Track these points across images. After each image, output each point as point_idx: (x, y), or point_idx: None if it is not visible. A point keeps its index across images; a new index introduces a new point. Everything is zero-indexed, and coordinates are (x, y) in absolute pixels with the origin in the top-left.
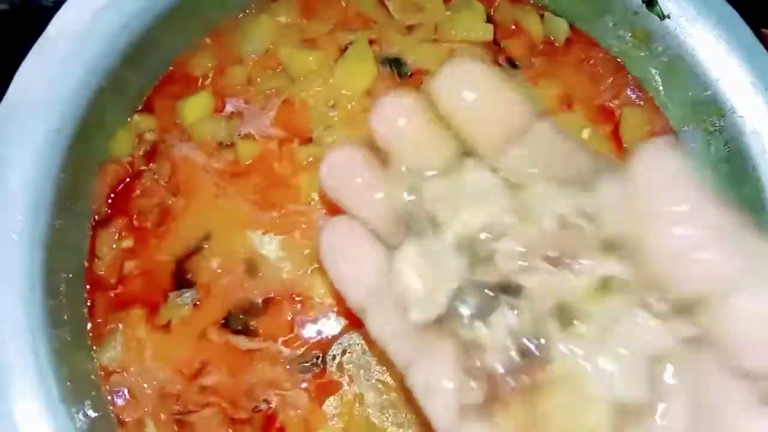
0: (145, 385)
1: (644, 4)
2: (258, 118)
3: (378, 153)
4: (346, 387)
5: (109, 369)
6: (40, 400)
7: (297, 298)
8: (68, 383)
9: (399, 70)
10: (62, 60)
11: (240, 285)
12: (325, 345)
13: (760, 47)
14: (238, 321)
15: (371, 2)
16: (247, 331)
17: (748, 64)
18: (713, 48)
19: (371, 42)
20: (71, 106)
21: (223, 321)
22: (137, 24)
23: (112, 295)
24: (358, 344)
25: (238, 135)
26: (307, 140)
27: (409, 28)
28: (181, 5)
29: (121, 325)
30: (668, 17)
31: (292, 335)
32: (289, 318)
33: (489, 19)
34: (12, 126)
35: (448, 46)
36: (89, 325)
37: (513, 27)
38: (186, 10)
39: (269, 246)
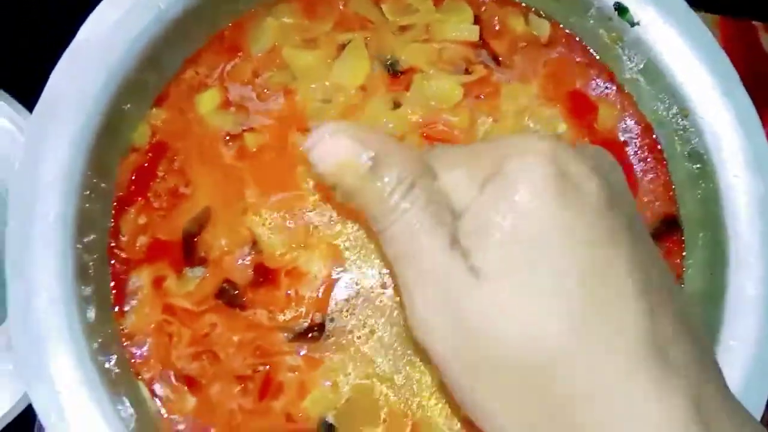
0: (159, 347)
1: (616, 12)
2: (262, 111)
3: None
4: (340, 354)
5: (128, 332)
6: (73, 357)
7: (294, 273)
8: (95, 343)
9: (392, 68)
10: (88, 65)
11: (243, 261)
12: (322, 310)
13: (723, 55)
14: (229, 294)
15: (367, 4)
16: (239, 304)
17: (710, 69)
18: (678, 54)
19: (366, 41)
20: (97, 104)
21: (216, 293)
22: (152, 31)
23: (131, 269)
24: (354, 311)
25: (243, 127)
26: (306, 131)
27: (402, 29)
28: (192, 12)
29: (138, 295)
30: (638, 24)
31: (289, 307)
32: (285, 292)
33: (476, 20)
34: (47, 122)
35: (437, 45)
36: (112, 296)
37: (498, 27)
38: (196, 16)
39: (270, 225)
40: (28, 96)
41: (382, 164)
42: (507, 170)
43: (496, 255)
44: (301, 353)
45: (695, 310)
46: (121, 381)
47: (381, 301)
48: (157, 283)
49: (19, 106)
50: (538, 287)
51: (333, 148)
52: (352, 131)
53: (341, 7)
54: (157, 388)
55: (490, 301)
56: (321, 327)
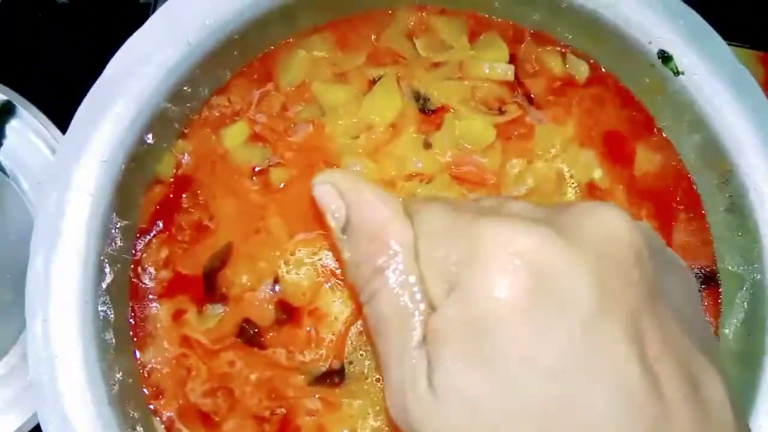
0: (177, 382)
1: (660, 59)
2: (289, 146)
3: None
4: (359, 400)
5: (145, 364)
6: (89, 392)
7: (315, 314)
8: (113, 383)
9: (423, 106)
10: (116, 99)
11: (264, 300)
12: (340, 356)
13: None
14: (249, 333)
15: (400, 39)
16: (259, 343)
17: (756, 126)
18: (722, 107)
19: (398, 77)
20: (124, 138)
21: (236, 332)
22: (181, 67)
23: (151, 303)
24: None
25: (270, 162)
26: (334, 167)
27: (435, 65)
28: (222, 46)
29: (158, 328)
30: (682, 74)
31: (309, 348)
32: (305, 332)
33: (511, 59)
34: (76, 161)
35: (470, 83)
36: (131, 329)
37: (534, 66)
38: (226, 49)
39: (293, 264)
40: (63, 117)
41: (353, 233)
42: (475, 276)
43: (450, 375)
44: (318, 396)
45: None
46: (135, 414)
47: None
48: (177, 317)
49: (53, 127)
50: (489, 424)
51: (317, 197)
52: (331, 184)
53: (374, 41)
54: (171, 421)
55: (441, 426)
56: (340, 372)
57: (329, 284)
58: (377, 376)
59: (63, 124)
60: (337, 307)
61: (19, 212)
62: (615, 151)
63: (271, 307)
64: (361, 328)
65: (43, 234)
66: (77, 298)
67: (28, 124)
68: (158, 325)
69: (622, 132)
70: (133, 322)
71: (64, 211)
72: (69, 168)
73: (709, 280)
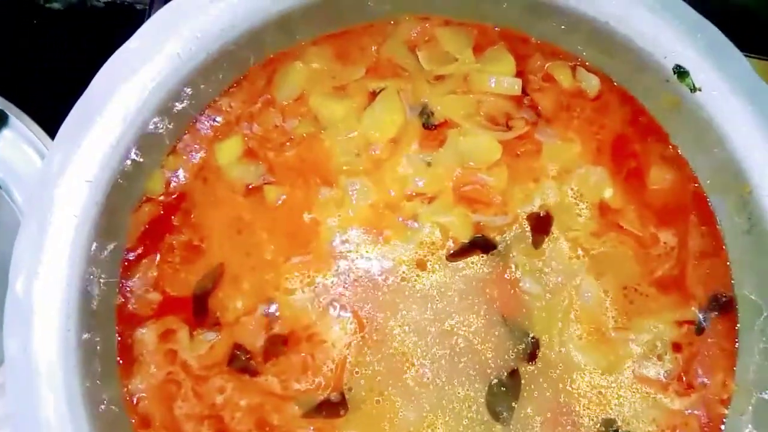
0: (165, 410)
1: (675, 75)
2: (285, 163)
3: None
4: (354, 430)
5: (135, 395)
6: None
7: (311, 339)
8: (98, 412)
9: (426, 121)
10: (101, 116)
11: (258, 325)
12: (339, 386)
13: None
14: (241, 360)
15: (402, 51)
16: (251, 370)
17: None
18: (743, 127)
19: (400, 91)
20: (110, 156)
21: (227, 360)
22: (170, 81)
23: (139, 326)
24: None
25: (264, 179)
26: (331, 185)
27: (438, 78)
28: (214, 59)
29: (146, 354)
30: (699, 90)
31: (304, 377)
32: (301, 359)
33: (519, 72)
34: (59, 181)
35: (476, 98)
36: (118, 355)
37: (543, 79)
38: (218, 63)
39: (288, 288)
40: (57, 126)
41: None
42: None
43: None
44: (313, 428)
45: None
46: None
47: (401, 371)
48: (166, 340)
49: (46, 137)
50: None
51: None
52: None
53: (375, 52)
54: None
55: None
56: (341, 403)
57: (326, 309)
58: (377, 398)
59: (54, 133)
60: (335, 332)
61: (11, 224)
62: (627, 170)
63: (265, 332)
64: (366, 359)
65: (23, 257)
66: (60, 324)
67: (21, 134)
68: (146, 350)
69: (635, 149)
70: (120, 347)
71: (46, 233)
72: (51, 188)
73: (726, 306)
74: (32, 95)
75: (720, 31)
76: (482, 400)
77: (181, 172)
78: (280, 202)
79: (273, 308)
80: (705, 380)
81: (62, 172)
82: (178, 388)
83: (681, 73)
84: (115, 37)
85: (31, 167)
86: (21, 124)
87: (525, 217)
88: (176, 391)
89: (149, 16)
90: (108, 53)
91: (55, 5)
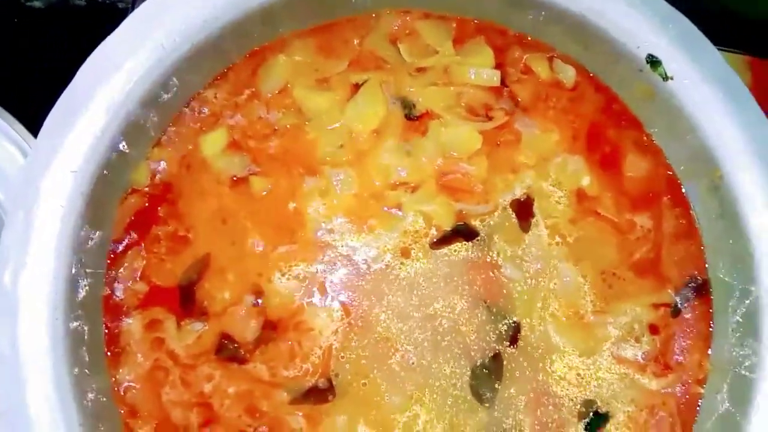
0: (153, 399)
1: (648, 64)
2: (270, 155)
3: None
4: (344, 415)
5: (122, 385)
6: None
7: (298, 327)
8: (86, 403)
9: (408, 112)
10: (86, 108)
11: (246, 314)
12: (326, 372)
13: (762, 118)
14: (229, 349)
15: (384, 44)
16: (239, 358)
17: (747, 133)
18: (714, 114)
19: (382, 83)
20: (95, 147)
21: (215, 349)
22: (154, 72)
23: (126, 316)
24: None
25: (250, 170)
26: (315, 175)
27: (420, 70)
28: (199, 50)
29: (133, 343)
30: (671, 79)
31: (292, 364)
32: (288, 346)
33: (498, 64)
34: (45, 173)
35: (456, 89)
36: (105, 345)
37: (521, 71)
38: (203, 53)
39: (275, 277)
40: (38, 124)
41: None
42: None
43: None
44: (302, 414)
45: None
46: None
47: (387, 356)
48: (153, 329)
49: (28, 134)
50: None
51: None
52: None
53: (357, 45)
54: None
55: None
56: (330, 389)
57: (313, 297)
58: (363, 381)
59: (38, 131)
60: (321, 320)
61: None
62: (603, 158)
63: (253, 321)
64: (353, 344)
65: (10, 248)
66: (48, 315)
67: (3, 133)
68: (132, 340)
69: (611, 138)
70: (107, 338)
71: (33, 224)
72: (37, 179)
73: (701, 289)
74: (14, 93)
75: (691, 23)
76: (466, 378)
77: (166, 164)
78: (265, 192)
79: (260, 298)
80: (681, 361)
81: (47, 163)
82: (166, 375)
83: (654, 62)
84: (97, 36)
85: (13, 166)
86: (3, 123)
87: (507, 204)
88: (164, 378)
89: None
90: (89, 52)
91: (36, 4)
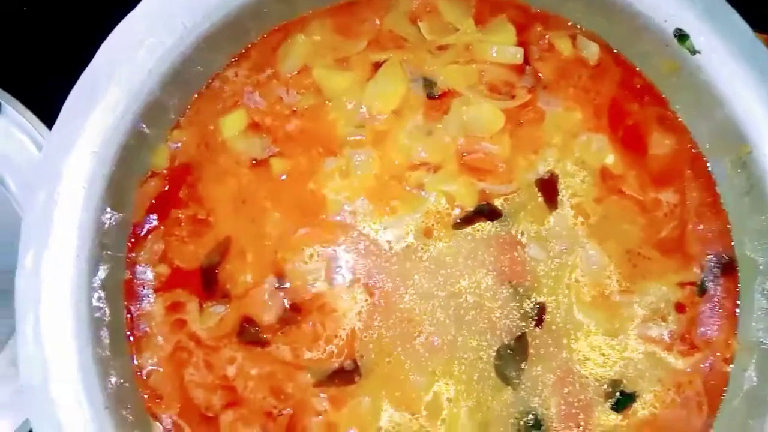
0: (176, 383)
1: (676, 38)
2: (290, 135)
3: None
4: (368, 396)
5: (145, 369)
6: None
7: (322, 310)
8: (109, 387)
9: (429, 91)
10: (107, 88)
11: (268, 296)
12: (352, 353)
13: None
14: (251, 332)
15: (404, 22)
16: (261, 341)
17: None
18: (742, 89)
19: (402, 62)
20: (116, 127)
21: (237, 332)
22: (174, 52)
23: (147, 299)
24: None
25: (270, 152)
26: (335, 156)
27: (441, 48)
28: (219, 29)
29: (155, 325)
30: (699, 53)
31: (316, 346)
32: (312, 328)
33: (520, 42)
34: (66, 154)
35: (478, 67)
36: (127, 329)
37: (544, 48)
38: (223, 33)
39: (297, 259)
40: (50, 113)
41: None
42: None
43: None
44: (326, 396)
45: None
46: (132, 418)
47: (411, 336)
48: (175, 311)
49: (40, 123)
50: None
51: None
52: None
53: (376, 25)
54: (168, 421)
55: None
56: (352, 371)
57: (335, 279)
58: (388, 359)
59: (50, 121)
60: (344, 302)
61: (6, 213)
62: (627, 135)
63: (275, 304)
64: (376, 324)
65: (32, 230)
66: (71, 296)
67: (14, 121)
68: (154, 323)
69: (634, 115)
70: (129, 321)
71: (54, 205)
72: (59, 160)
73: (727, 267)
74: (25, 82)
75: None
76: (492, 353)
77: (185, 146)
78: (285, 176)
79: (282, 279)
80: (708, 339)
81: (69, 144)
82: (189, 356)
83: (681, 36)
84: (109, 21)
85: (26, 155)
86: (14, 112)
87: (533, 182)
88: (187, 359)
89: None
90: (102, 37)
91: None
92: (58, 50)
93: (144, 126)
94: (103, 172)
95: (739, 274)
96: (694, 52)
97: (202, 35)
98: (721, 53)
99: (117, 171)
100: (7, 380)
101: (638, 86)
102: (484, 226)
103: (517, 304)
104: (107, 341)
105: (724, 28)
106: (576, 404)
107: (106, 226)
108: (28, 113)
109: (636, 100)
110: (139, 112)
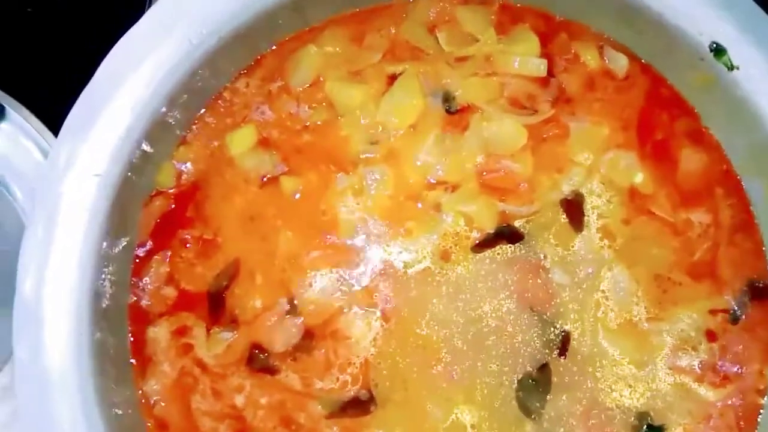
0: (182, 412)
1: (711, 52)
2: (301, 153)
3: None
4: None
5: (151, 397)
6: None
7: (334, 336)
8: (113, 417)
9: (447, 105)
10: (109, 106)
11: (278, 322)
12: (367, 383)
13: None
14: (260, 359)
15: (421, 32)
16: (270, 369)
17: None
18: None
19: (419, 74)
20: (120, 148)
21: (246, 360)
22: (181, 68)
23: (153, 325)
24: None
25: (280, 170)
26: (348, 174)
27: (460, 60)
28: (227, 44)
29: (160, 351)
30: (737, 68)
31: (327, 374)
32: (324, 356)
33: (543, 53)
34: (66, 176)
35: (499, 80)
36: (132, 356)
37: (569, 60)
38: (231, 47)
39: (308, 283)
40: (56, 119)
41: None
42: None
43: None
44: (338, 427)
45: None
46: None
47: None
48: (181, 336)
49: (46, 130)
50: None
51: None
52: None
53: (391, 35)
54: None
55: None
56: (367, 401)
57: (349, 304)
58: (403, 390)
59: (56, 127)
60: (358, 328)
61: (11, 221)
62: (655, 152)
63: (287, 329)
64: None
65: (31, 256)
66: (71, 327)
67: (20, 128)
68: (159, 348)
69: (664, 131)
70: (133, 347)
71: (55, 230)
72: (58, 183)
73: (762, 293)
74: (31, 87)
75: (758, 6)
76: (513, 377)
77: (192, 164)
78: (298, 195)
79: (293, 304)
80: (741, 370)
81: (69, 166)
82: (195, 382)
83: (718, 50)
84: (117, 25)
85: (31, 162)
86: (20, 118)
87: (557, 203)
88: (193, 385)
89: (151, 5)
90: (110, 43)
91: None
92: (64, 55)
93: (148, 145)
94: (107, 194)
95: None
96: (731, 67)
97: (210, 51)
98: (761, 68)
99: (121, 192)
100: (11, 395)
101: (668, 100)
102: (505, 249)
103: (540, 332)
104: (111, 370)
105: (764, 42)
106: None
107: (110, 250)
108: (34, 119)
109: (666, 115)
110: (143, 131)
